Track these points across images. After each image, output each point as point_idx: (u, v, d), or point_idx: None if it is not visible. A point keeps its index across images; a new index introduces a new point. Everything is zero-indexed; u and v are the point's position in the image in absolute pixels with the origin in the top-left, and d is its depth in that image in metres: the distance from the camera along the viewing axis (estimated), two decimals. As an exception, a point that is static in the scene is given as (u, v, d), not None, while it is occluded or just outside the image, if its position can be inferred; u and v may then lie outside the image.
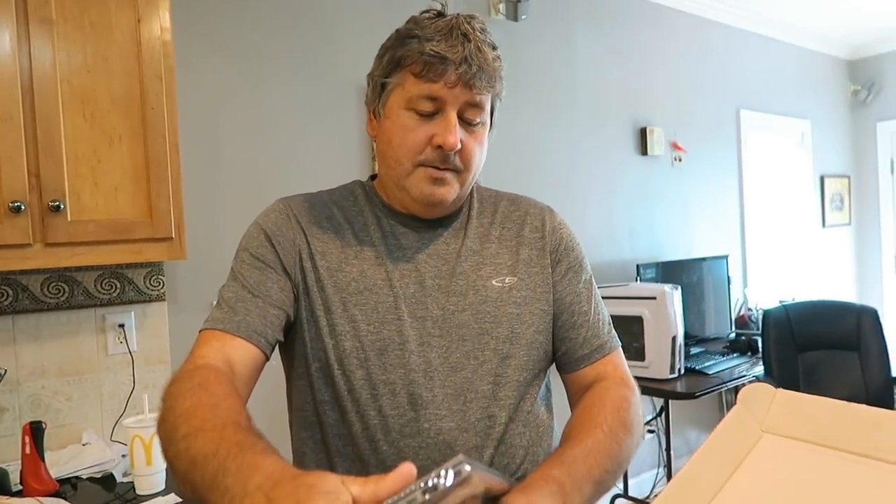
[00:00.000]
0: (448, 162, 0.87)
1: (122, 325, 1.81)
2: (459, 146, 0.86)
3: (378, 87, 0.91)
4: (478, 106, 0.88)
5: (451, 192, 0.89)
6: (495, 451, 0.87)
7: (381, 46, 0.92)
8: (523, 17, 2.76)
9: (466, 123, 0.88)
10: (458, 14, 0.87)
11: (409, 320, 0.87)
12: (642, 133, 3.36)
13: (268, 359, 0.86)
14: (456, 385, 0.86)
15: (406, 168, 0.88)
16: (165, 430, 0.69)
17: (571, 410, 0.94)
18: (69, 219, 1.48)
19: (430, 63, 0.83)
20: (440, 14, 0.88)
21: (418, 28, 0.86)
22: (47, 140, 1.46)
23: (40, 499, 1.38)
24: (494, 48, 0.88)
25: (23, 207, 1.41)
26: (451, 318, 0.89)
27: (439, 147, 0.86)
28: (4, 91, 1.41)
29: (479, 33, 0.86)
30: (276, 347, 0.89)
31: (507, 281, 0.93)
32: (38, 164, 1.45)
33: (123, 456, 1.66)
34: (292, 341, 0.91)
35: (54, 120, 1.47)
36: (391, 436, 0.84)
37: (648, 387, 2.59)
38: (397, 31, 0.89)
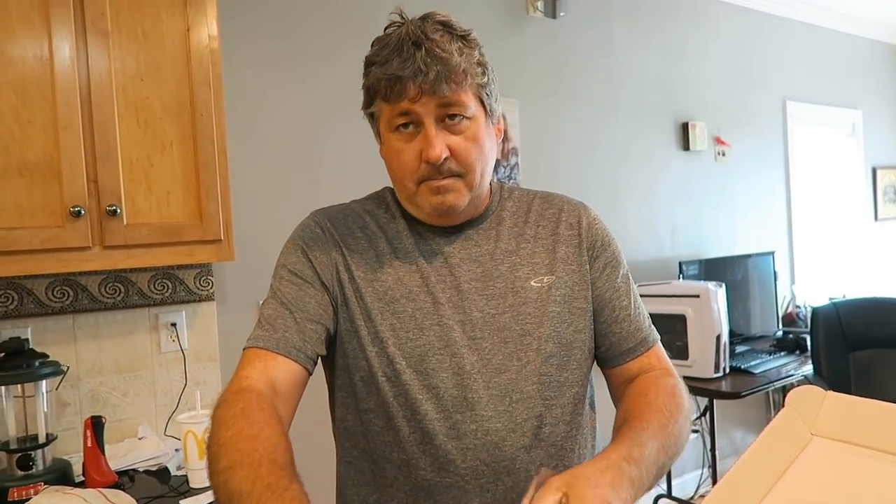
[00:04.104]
0: (444, 172, 0.86)
1: (173, 324, 1.88)
2: (447, 153, 0.85)
3: (369, 118, 0.93)
4: (455, 104, 0.85)
5: (459, 197, 0.88)
6: (545, 452, 0.87)
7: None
8: (562, 13, 2.74)
9: (452, 125, 0.86)
10: (409, 22, 0.86)
11: (450, 324, 0.88)
12: (684, 128, 3.30)
13: (310, 374, 0.88)
14: (501, 386, 0.86)
15: (410, 188, 0.89)
16: (209, 457, 0.73)
17: (616, 403, 0.96)
18: (125, 222, 1.54)
19: (389, 86, 0.84)
20: (401, 25, 0.87)
21: (376, 52, 0.86)
22: (104, 146, 1.53)
23: (102, 490, 1.44)
24: (459, 39, 0.86)
25: (83, 212, 1.48)
26: (492, 321, 0.89)
27: (428, 161, 0.85)
28: (65, 100, 1.48)
29: (432, 34, 0.84)
30: (319, 361, 0.91)
31: (545, 280, 0.92)
32: (96, 170, 1.52)
33: (177, 450, 1.72)
34: (333, 354, 0.92)
35: (110, 127, 1.54)
36: (439, 438, 0.85)
37: (692, 386, 2.55)
38: (364, 59, 0.89)
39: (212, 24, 1.66)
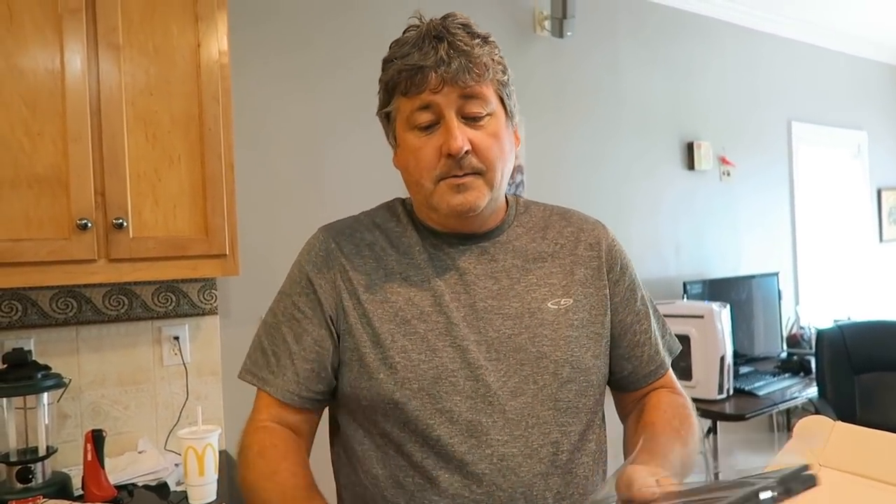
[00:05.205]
0: (464, 167, 0.84)
1: (176, 338, 1.87)
2: (468, 147, 0.83)
3: (385, 120, 0.91)
4: (476, 97, 0.84)
5: (479, 196, 0.85)
6: (561, 480, 0.85)
7: (378, 81, 0.91)
8: (569, 33, 2.76)
9: (472, 120, 0.84)
10: (430, 20, 0.86)
11: (465, 345, 0.85)
12: (689, 148, 3.31)
13: (320, 407, 0.92)
14: (516, 410, 0.83)
15: (428, 188, 0.86)
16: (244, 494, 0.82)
17: (624, 419, 1.00)
18: (131, 235, 1.55)
19: (410, 77, 0.82)
20: (419, 27, 0.86)
21: (396, 50, 0.86)
22: (112, 159, 1.53)
23: (100, 505, 1.43)
24: (478, 36, 0.85)
25: (89, 224, 1.48)
26: (508, 342, 0.86)
27: (449, 155, 0.83)
28: (75, 112, 1.49)
29: (454, 29, 0.83)
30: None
31: (562, 303, 0.89)
32: (104, 182, 1.52)
33: (177, 465, 1.71)
34: (337, 384, 0.90)
35: (119, 140, 1.54)
36: (453, 463, 0.82)
37: (696, 407, 2.53)
38: (382, 59, 0.89)
39: (222, 40, 1.67)
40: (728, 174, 3.48)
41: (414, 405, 0.83)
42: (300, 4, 2.17)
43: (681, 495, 0.65)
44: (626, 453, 0.93)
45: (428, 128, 0.84)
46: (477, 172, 0.85)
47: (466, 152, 0.83)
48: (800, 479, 0.50)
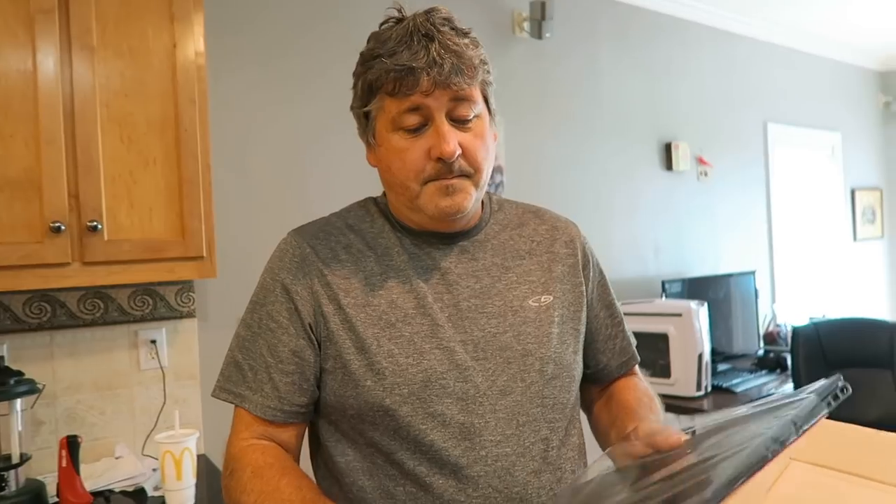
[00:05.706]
0: (454, 170, 0.82)
1: (153, 341, 1.85)
2: (459, 151, 0.82)
3: (362, 118, 0.88)
4: (466, 99, 0.82)
5: (467, 198, 0.84)
6: (552, 476, 0.84)
7: (353, 75, 0.88)
8: (547, 35, 2.77)
9: (460, 122, 0.83)
10: (414, 15, 0.82)
11: (451, 346, 0.83)
12: (667, 148, 3.35)
13: (305, 419, 0.88)
14: (507, 409, 0.83)
15: (414, 190, 0.84)
16: None
17: (589, 408, 1.02)
18: (106, 238, 1.53)
19: (400, 78, 0.79)
20: (399, 20, 0.83)
21: (379, 45, 0.82)
22: (87, 162, 1.51)
23: (76, 512, 1.41)
24: (465, 34, 0.83)
25: (63, 228, 1.46)
26: (493, 340, 0.85)
27: (439, 159, 0.81)
28: (48, 115, 1.47)
29: (442, 27, 0.81)
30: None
31: (542, 300, 0.90)
32: (78, 185, 1.50)
33: (154, 470, 1.69)
34: (320, 393, 0.87)
35: (93, 143, 1.52)
36: (447, 468, 0.80)
37: (674, 404, 2.56)
38: (361, 53, 0.85)
39: (198, 41, 1.66)
40: (705, 174, 3.53)
41: (405, 411, 0.80)
42: (281, 11, 2.16)
43: (708, 435, 0.66)
44: (598, 434, 0.98)
45: (416, 129, 0.82)
46: (465, 175, 0.84)
47: (458, 156, 0.82)
48: (837, 388, 0.51)
